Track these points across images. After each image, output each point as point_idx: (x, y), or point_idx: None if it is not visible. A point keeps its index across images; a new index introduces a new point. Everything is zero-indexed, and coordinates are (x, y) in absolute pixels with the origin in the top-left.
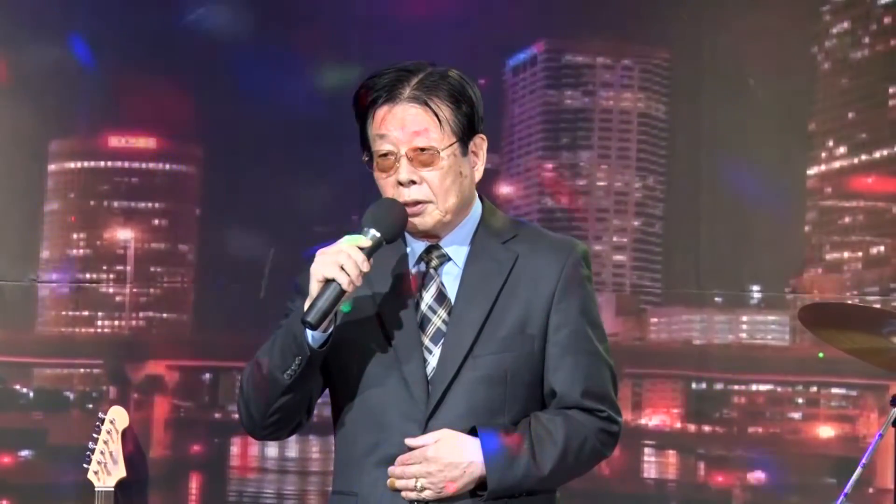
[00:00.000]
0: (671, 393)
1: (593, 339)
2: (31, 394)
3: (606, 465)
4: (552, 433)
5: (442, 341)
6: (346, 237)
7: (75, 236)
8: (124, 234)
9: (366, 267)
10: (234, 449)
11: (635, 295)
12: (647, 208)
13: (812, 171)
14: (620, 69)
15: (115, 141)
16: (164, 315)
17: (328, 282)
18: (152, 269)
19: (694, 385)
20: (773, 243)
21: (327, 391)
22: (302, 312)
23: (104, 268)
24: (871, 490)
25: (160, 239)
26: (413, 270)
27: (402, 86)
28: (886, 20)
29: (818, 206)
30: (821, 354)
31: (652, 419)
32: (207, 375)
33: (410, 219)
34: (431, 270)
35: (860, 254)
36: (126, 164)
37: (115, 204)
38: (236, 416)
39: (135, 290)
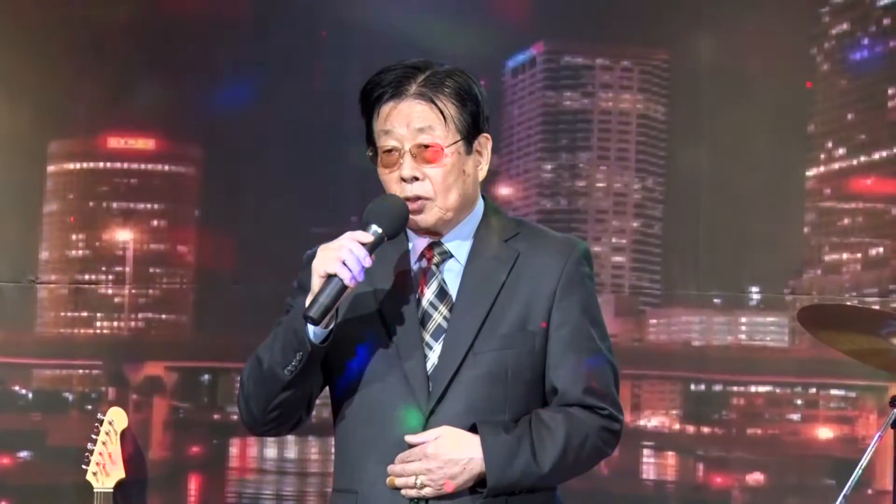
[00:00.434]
0: (670, 394)
1: (595, 336)
2: (30, 395)
3: (605, 466)
4: (553, 431)
5: (443, 337)
6: (348, 233)
7: (74, 237)
8: (123, 235)
9: (368, 262)
10: (233, 450)
11: (634, 296)
12: (647, 209)
13: (811, 172)
14: (619, 70)
15: (115, 142)
16: (163, 316)
17: (330, 277)
18: (151, 270)
19: (693, 386)
20: (772, 245)
21: (327, 390)
22: (303, 308)
23: (103, 269)
24: (870, 491)
25: (159, 240)
26: (414, 267)
27: (409, 82)
28: (886, 21)
29: (817, 208)
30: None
31: (651, 420)
32: (206, 376)
33: (412, 215)
34: (433, 267)
35: (859, 255)
36: (125, 165)
37: (115, 205)
38: (235, 416)
39: (134, 291)
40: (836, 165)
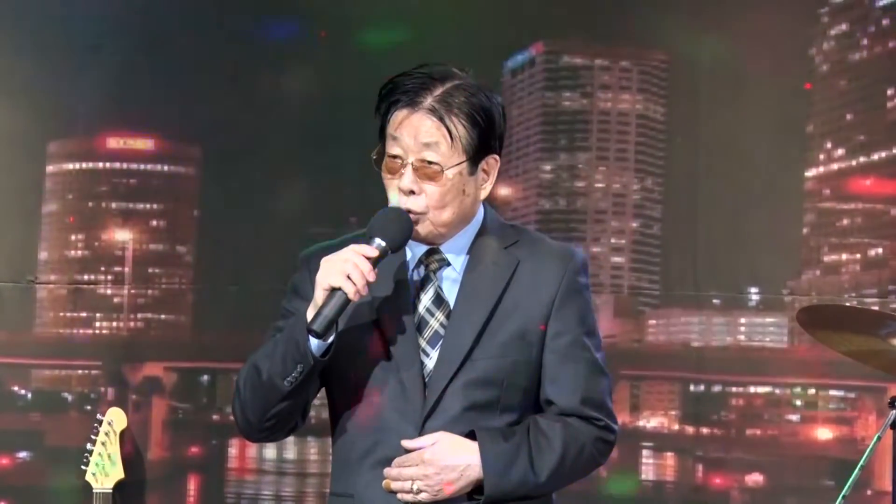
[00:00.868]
0: (669, 395)
1: (591, 347)
2: (29, 395)
3: (605, 467)
4: (550, 440)
5: (440, 344)
6: (353, 246)
7: (73, 237)
8: (122, 236)
9: (372, 277)
10: (232, 450)
11: (633, 296)
12: (646, 210)
13: (810, 172)
14: (618, 71)
15: (114, 142)
16: (163, 316)
17: (334, 290)
18: (150, 270)
19: (692, 387)
20: (771, 245)
21: (323, 392)
22: (304, 318)
23: (102, 269)
24: (869, 492)
25: (158, 240)
26: (412, 274)
27: (425, 94)
28: (885, 22)
29: (816, 208)
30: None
31: (650, 421)
32: (205, 377)
33: None
34: (430, 274)
35: (858, 256)
36: (124, 166)
37: (114, 205)
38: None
39: (133, 291)
40: (834, 166)
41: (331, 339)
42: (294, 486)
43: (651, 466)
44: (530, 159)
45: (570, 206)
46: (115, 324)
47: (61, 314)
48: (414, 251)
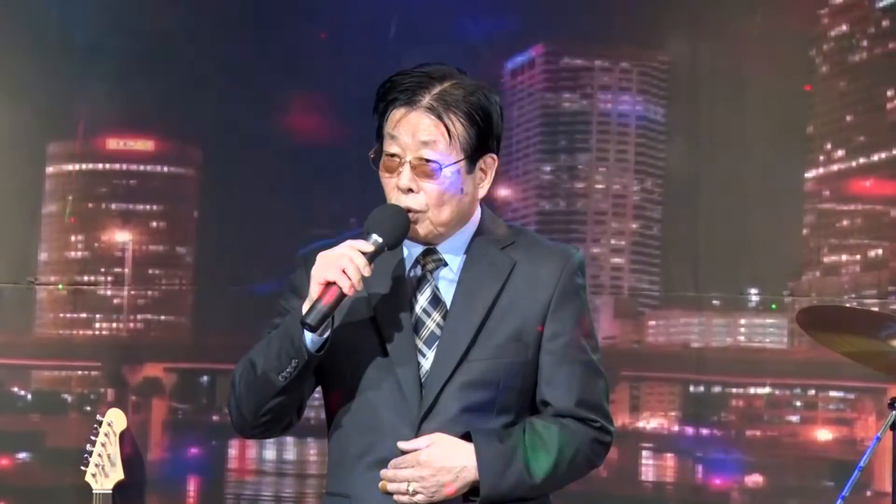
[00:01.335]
0: (669, 396)
1: (588, 349)
2: (29, 396)
3: (604, 468)
4: (546, 441)
5: (436, 344)
6: (349, 241)
7: (73, 238)
8: (122, 237)
9: (367, 272)
10: (232, 451)
11: (633, 298)
12: (646, 211)
13: (810, 174)
14: (619, 72)
15: (114, 143)
16: (162, 317)
17: (329, 285)
18: (150, 271)
19: (692, 388)
20: (771, 246)
21: (320, 392)
22: (300, 314)
23: (102, 270)
24: (868, 493)
25: (158, 241)
26: (409, 273)
27: (423, 93)
28: (885, 23)
29: (816, 210)
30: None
31: (650, 422)
32: (205, 378)
33: None
34: (427, 274)
35: (858, 257)
36: (124, 167)
37: (114, 206)
38: None
39: (133, 292)
40: (835, 167)
41: (326, 334)
42: (294, 487)
43: (651, 467)
44: (530, 160)
45: (570, 207)
46: (114, 325)
47: (61, 315)
48: (411, 251)
